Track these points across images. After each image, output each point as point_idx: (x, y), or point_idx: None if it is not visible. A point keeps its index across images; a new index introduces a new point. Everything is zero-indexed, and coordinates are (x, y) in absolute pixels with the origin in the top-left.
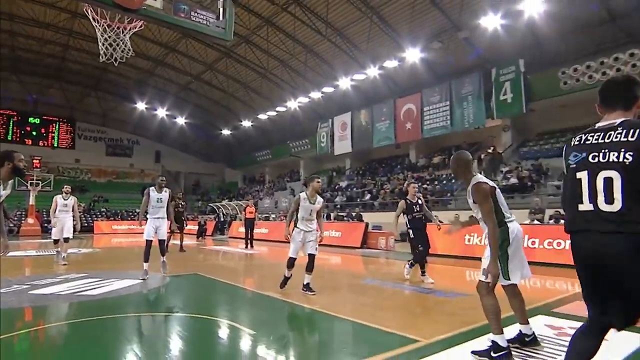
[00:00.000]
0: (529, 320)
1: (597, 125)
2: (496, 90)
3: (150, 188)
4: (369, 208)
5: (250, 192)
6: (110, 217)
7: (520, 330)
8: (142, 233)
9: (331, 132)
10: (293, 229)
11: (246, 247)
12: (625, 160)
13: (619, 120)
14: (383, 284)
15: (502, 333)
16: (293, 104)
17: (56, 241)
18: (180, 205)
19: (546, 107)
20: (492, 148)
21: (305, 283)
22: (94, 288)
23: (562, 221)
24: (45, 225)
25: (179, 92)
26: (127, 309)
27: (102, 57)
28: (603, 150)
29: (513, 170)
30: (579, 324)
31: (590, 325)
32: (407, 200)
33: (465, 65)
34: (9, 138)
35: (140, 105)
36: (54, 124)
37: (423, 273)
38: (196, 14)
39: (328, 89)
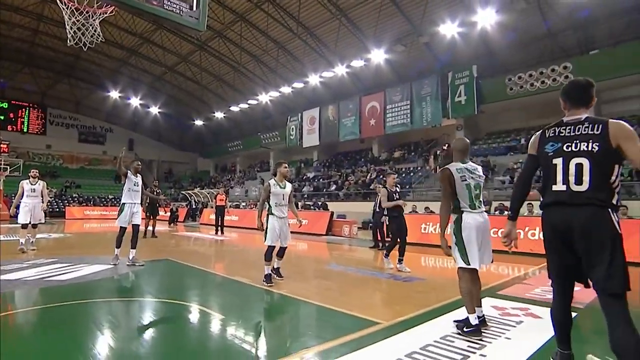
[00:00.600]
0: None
1: (565, 119)
2: (452, 93)
3: (128, 171)
4: (334, 198)
5: (222, 181)
6: (82, 203)
7: None
8: (115, 219)
9: (300, 125)
10: (266, 218)
11: (216, 233)
12: (593, 149)
13: (584, 116)
14: (346, 269)
15: (474, 312)
16: (264, 98)
17: (24, 226)
18: (155, 193)
19: (494, 110)
20: (447, 145)
21: (275, 267)
22: (64, 273)
23: (506, 212)
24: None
25: (153, 82)
26: (97, 294)
27: (69, 41)
28: (575, 141)
29: None
30: (519, 305)
31: (559, 299)
32: (387, 189)
33: (425, 68)
34: None
35: (114, 94)
36: (23, 109)
37: (400, 261)
38: (169, 2)
39: (298, 85)
